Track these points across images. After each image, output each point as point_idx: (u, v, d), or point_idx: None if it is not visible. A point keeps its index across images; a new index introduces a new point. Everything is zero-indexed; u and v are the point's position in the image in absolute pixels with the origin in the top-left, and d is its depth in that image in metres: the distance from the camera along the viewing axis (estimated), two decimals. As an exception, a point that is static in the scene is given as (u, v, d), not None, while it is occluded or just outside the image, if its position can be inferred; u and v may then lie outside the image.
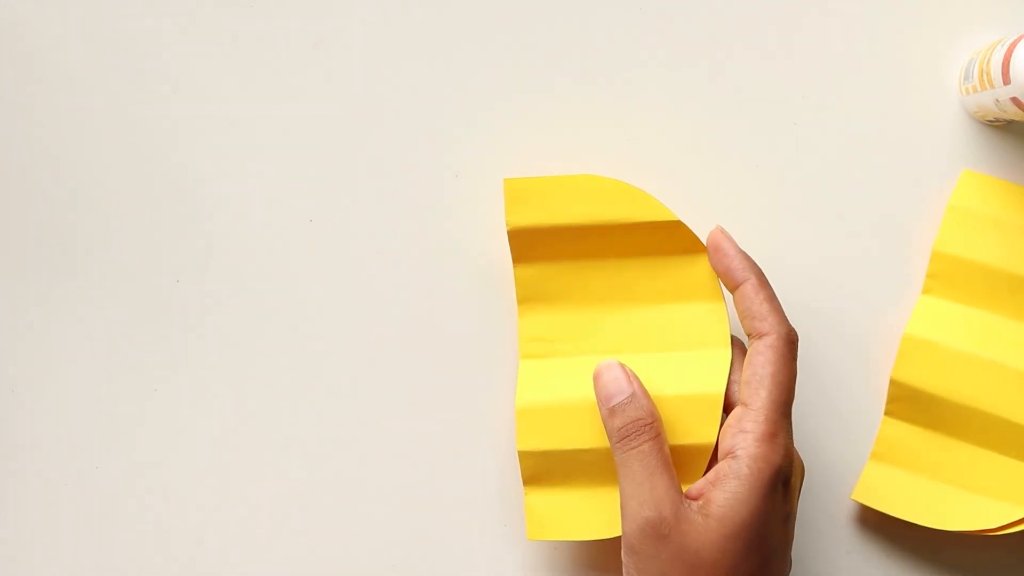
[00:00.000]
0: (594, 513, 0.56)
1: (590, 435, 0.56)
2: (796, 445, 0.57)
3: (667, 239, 0.56)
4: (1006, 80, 0.53)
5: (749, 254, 0.55)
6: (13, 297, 0.60)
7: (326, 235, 0.60)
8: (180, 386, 0.60)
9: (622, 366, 0.55)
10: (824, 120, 0.60)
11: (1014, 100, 0.53)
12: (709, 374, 0.55)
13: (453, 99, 0.60)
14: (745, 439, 0.51)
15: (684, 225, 0.56)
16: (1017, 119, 0.57)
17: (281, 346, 0.60)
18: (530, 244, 0.57)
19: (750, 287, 0.54)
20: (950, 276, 0.58)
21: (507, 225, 0.56)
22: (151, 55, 0.60)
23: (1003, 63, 0.53)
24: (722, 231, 0.55)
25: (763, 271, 0.54)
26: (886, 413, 0.59)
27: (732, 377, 0.55)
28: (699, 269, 0.56)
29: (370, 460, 0.60)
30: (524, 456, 0.56)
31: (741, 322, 0.54)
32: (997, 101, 0.55)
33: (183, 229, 0.60)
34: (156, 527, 0.60)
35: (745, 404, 0.52)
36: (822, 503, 0.59)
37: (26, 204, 0.60)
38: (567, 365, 0.57)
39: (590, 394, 0.56)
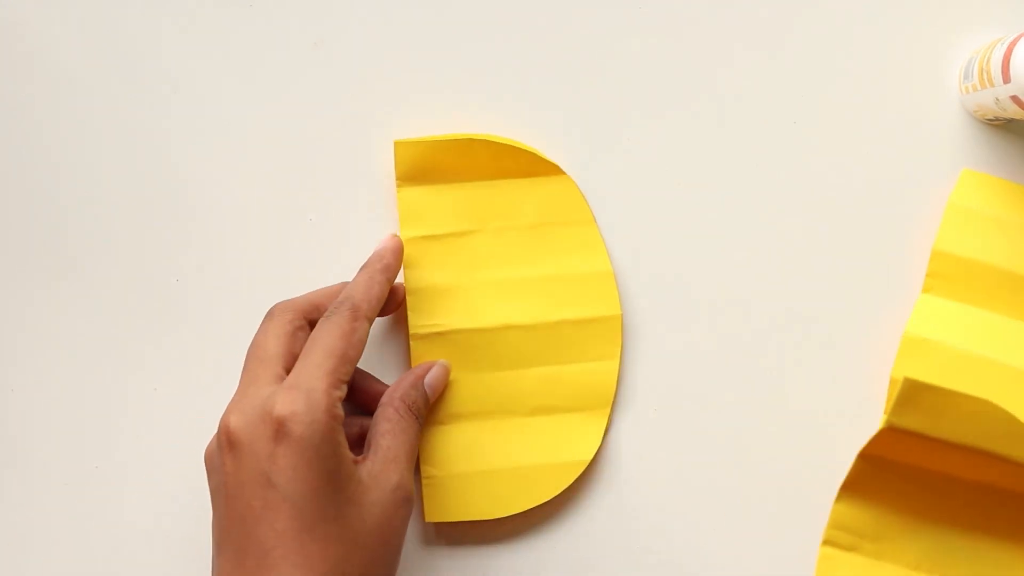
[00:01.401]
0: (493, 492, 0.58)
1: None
2: (796, 444, 0.58)
3: (528, 164, 0.59)
4: (1006, 79, 0.53)
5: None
6: (13, 297, 0.60)
7: (326, 235, 0.60)
8: (180, 386, 0.60)
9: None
10: (824, 120, 0.60)
11: (1014, 99, 0.53)
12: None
13: (453, 99, 0.60)
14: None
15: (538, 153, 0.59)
16: (1017, 118, 0.57)
17: (281, 346, 0.60)
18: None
19: None
20: (950, 275, 0.58)
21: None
22: (151, 55, 0.60)
23: (1003, 62, 0.53)
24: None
25: None
26: (886, 412, 0.58)
27: None
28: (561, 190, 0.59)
29: (370, 460, 0.60)
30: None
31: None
32: (997, 100, 0.55)
33: (183, 229, 0.60)
34: (156, 527, 0.60)
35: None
36: (821, 503, 0.59)
37: (26, 204, 0.60)
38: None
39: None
